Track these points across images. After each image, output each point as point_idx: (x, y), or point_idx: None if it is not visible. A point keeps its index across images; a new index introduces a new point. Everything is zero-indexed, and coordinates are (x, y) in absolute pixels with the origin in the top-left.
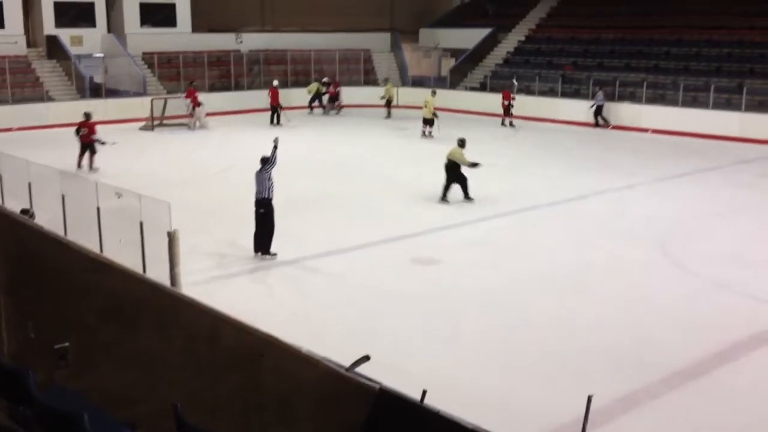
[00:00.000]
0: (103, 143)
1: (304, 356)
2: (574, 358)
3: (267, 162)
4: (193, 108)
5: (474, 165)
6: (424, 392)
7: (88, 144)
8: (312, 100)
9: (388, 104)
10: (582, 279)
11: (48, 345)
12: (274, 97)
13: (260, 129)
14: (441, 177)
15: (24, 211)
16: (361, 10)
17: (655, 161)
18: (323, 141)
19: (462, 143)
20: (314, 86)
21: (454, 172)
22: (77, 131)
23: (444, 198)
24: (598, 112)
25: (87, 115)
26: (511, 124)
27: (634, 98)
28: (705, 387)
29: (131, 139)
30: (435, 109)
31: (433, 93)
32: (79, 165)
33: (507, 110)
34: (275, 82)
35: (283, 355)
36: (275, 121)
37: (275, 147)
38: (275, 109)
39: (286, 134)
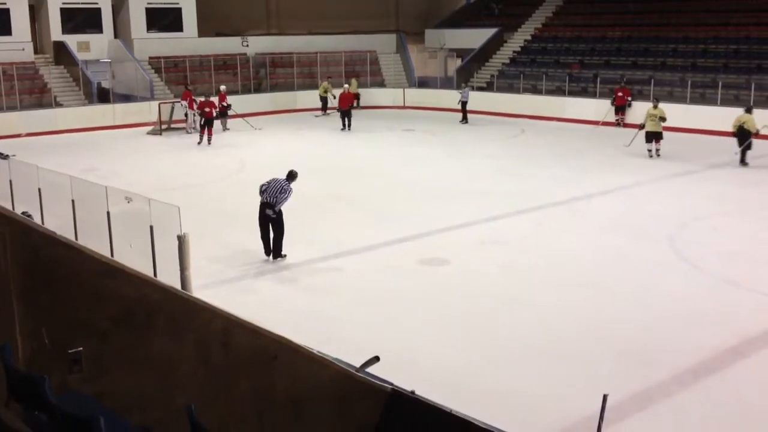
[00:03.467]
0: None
1: (317, 358)
2: (585, 355)
3: (291, 179)
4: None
5: (758, 132)
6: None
7: None
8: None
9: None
10: (592, 277)
11: (61, 350)
12: (345, 100)
13: (267, 132)
14: (448, 176)
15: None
16: (366, 13)
17: (663, 159)
18: (329, 143)
19: (749, 110)
20: (323, 87)
21: (744, 136)
22: None
23: (743, 161)
24: (464, 107)
25: None
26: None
27: (641, 96)
28: (717, 384)
29: (140, 144)
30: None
31: (655, 105)
32: None
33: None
34: (346, 86)
35: (296, 357)
36: (347, 126)
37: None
38: (345, 113)
39: (326, 138)
